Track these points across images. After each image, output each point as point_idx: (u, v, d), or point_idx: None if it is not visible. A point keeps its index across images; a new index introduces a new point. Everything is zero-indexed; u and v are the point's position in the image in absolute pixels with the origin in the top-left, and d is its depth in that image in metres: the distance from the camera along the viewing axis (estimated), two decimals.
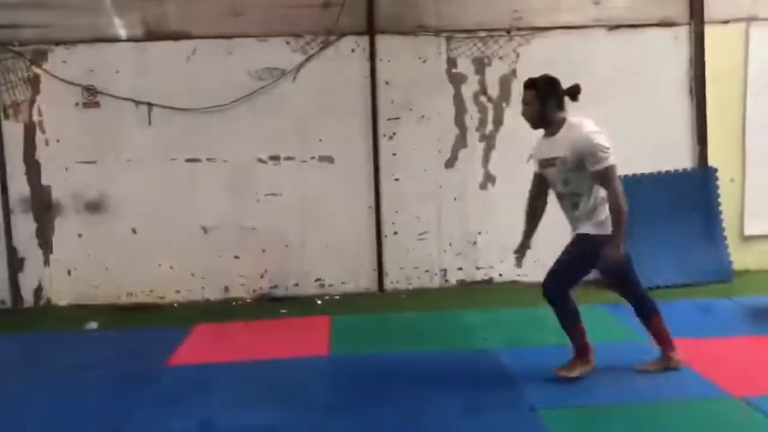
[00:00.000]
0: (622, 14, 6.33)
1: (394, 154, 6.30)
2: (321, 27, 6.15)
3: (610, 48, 6.32)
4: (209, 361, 4.61)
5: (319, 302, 6.21)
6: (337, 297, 6.31)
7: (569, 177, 3.91)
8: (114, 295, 6.22)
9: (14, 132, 6.06)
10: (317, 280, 6.37)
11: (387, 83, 6.24)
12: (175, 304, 6.22)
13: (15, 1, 6.04)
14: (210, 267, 6.27)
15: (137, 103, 6.07)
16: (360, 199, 6.32)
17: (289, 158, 6.26)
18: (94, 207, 6.16)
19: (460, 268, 6.46)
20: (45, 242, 6.18)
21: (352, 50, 6.20)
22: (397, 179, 6.33)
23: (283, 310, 5.93)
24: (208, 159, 6.18)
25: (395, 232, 6.38)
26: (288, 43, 6.14)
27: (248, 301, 6.30)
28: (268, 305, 6.14)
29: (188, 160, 6.16)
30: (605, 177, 3.79)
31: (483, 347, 4.70)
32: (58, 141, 6.10)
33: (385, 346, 4.81)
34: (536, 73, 6.23)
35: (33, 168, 6.11)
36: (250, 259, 6.28)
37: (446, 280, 6.47)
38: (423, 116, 6.29)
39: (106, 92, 6.06)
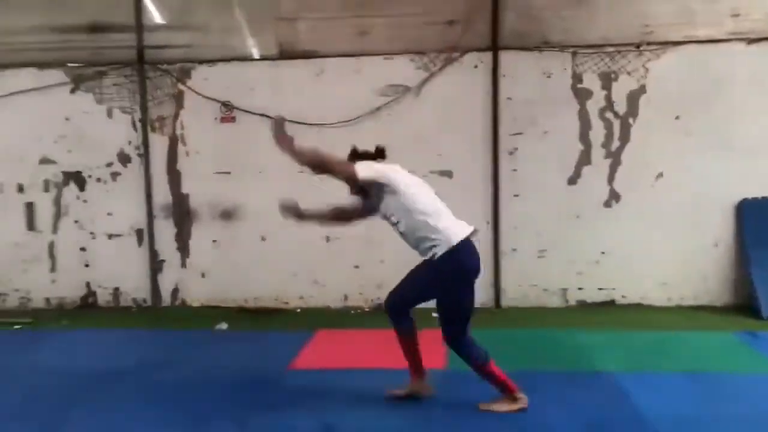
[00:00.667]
0: (763, 27, 5.99)
1: (514, 170, 6.28)
2: (445, 44, 6.25)
3: (749, 62, 5.99)
4: (330, 366, 4.78)
5: (435, 315, 6.24)
6: None
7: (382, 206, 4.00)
8: (242, 298, 6.58)
9: (159, 144, 6.58)
10: None
11: (509, 99, 6.23)
12: (298, 310, 6.50)
13: (164, 23, 6.58)
14: (331, 275, 6.50)
15: (269, 118, 6.41)
16: (478, 214, 6.33)
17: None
18: (228, 215, 6.56)
19: (581, 288, 6.32)
20: (183, 246, 6.65)
21: (475, 66, 6.26)
22: (516, 195, 6.29)
23: None
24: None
25: (514, 249, 6.34)
26: (412, 60, 6.29)
27: (366, 310, 6.47)
28: (386, 316, 6.25)
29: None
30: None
31: (603, 369, 4.57)
32: (197, 153, 6.56)
33: (501, 362, 4.75)
34: (667, 89, 6.09)
35: (174, 177, 6.60)
36: (369, 269, 6.45)
37: (566, 300, 6.34)
38: (546, 132, 6.23)
39: (242, 108, 6.46)
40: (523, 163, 6.27)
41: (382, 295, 6.41)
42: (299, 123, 6.37)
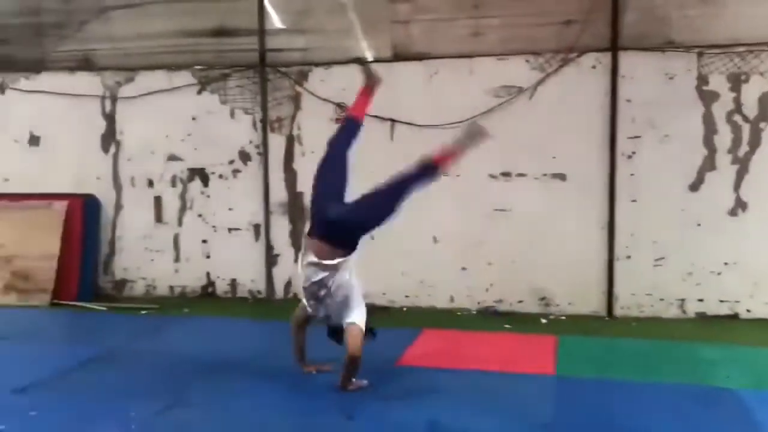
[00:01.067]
0: None
1: (632, 175, 6.06)
2: (561, 44, 6.13)
3: None
4: (436, 365, 4.81)
5: (543, 321, 6.16)
6: (563, 318, 6.21)
7: None
8: None
9: (277, 144, 6.85)
10: (542, 298, 6.33)
11: (628, 101, 6.03)
12: (404, 309, 6.57)
13: (283, 27, 6.84)
14: (438, 276, 6.52)
15: (382, 119, 6.53)
16: (593, 219, 6.17)
17: (521, 175, 6.30)
18: None
19: (701, 300, 6.01)
20: (296, 242, 6.88)
21: (593, 67, 6.09)
22: (634, 200, 6.07)
23: (506, 325, 5.98)
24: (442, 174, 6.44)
25: (629, 256, 6.12)
26: (527, 61, 6.21)
27: (472, 312, 6.45)
28: (492, 319, 6.23)
29: None
30: None
31: (725, 385, 4.34)
32: (312, 152, 6.74)
33: (614, 372, 4.64)
34: None
35: (290, 176, 6.85)
36: (476, 271, 6.42)
37: (683, 311, 6.06)
38: (667, 135, 5.98)
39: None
40: (642, 168, 6.04)
41: (489, 298, 6.45)
42: (411, 124, 6.46)
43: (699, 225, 5.96)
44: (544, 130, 6.19)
